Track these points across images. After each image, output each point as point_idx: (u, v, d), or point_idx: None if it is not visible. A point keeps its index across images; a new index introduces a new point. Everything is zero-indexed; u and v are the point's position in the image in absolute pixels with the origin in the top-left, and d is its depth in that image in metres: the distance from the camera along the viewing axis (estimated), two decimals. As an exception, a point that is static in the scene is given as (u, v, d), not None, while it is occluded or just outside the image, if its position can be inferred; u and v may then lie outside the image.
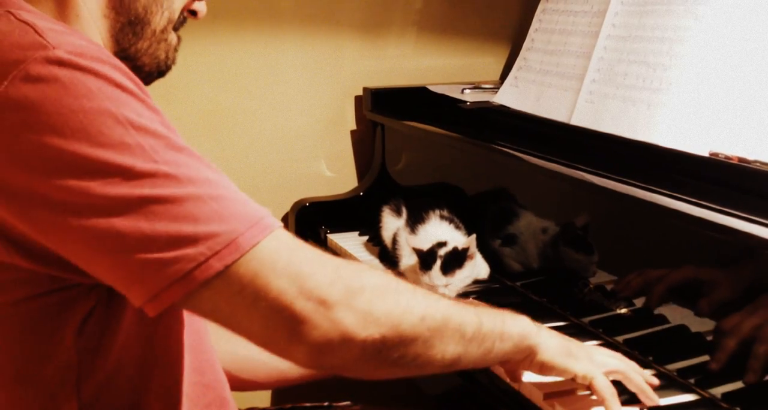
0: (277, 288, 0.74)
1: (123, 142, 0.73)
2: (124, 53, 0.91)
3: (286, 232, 0.78)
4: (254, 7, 1.78)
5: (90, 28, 0.89)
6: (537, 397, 1.01)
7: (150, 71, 0.95)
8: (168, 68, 0.97)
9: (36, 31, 0.76)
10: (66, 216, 0.73)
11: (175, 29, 0.97)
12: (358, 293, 0.77)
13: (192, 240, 0.73)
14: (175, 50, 0.97)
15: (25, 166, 0.73)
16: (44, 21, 0.79)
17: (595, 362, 0.93)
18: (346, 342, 0.76)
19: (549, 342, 0.90)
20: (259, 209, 0.78)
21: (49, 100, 0.72)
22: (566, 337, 0.96)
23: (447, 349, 0.81)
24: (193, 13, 0.98)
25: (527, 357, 0.90)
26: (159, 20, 0.92)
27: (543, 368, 0.91)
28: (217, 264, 0.73)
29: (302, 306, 0.74)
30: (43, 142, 0.72)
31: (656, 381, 0.98)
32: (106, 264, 0.75)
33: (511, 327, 0.88)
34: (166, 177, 0.74)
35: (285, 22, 1.83)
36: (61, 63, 0.73)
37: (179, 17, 0.96)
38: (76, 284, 0.81)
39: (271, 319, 0.75)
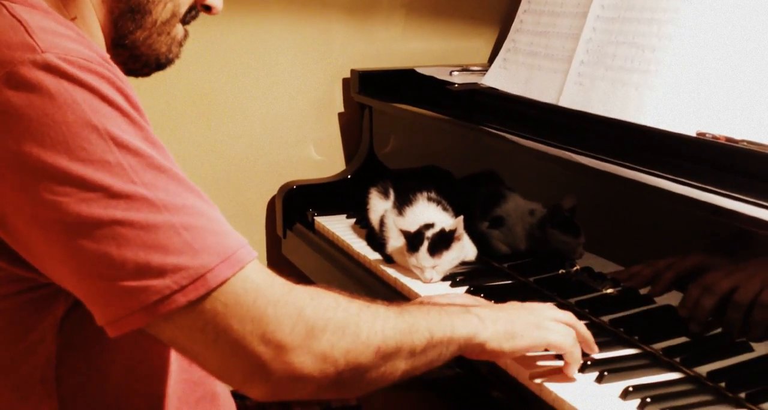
0: (238, 331, 0.74)
1: (103, 159, 0.71)
2: (120, 41, 0.89)
3: (257, 267, 0.77)
4: (242, -12, 1.76)
5: (88, 13, 0.86)
6: (523, 376, 1.01)
7: (147, 62, 0.93)
8: (169, 62, 0.94)
9: (27, 31, 0.73)
10: (35, 227, 0.72)
11: (186, 23, 0.94)
12: (319, 334, 0.77)
13: (159, 271, 0.71)
14: (180, 45, 0.94)
15: (1, 172, 0.71)
16: (39, 16, 0.77)
17: (542, 327, 0.96)
18: (301, 382, 0.77)
19: (494, 332, 0.92)
20: (234, 240, 0.76)
21: (32, 107, 0.71)
22: (512, 309, 0.97)
23: (398, 368, 0.83)
24: (207, 8, 0.95)
25: (475, 352, 0.92)
26: (161, 11, 0.89)
27: (493, 356, 0.93)
28: (181, 299, 0.72)
29: (260, 350, 0.74)
30: (21, 149, 0.70)
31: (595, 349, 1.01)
32: (72, 280, 0.75)
33: (459, 330, 0.89)
34: (143, 200, 0.72)
35: (273, 4, 1.82)
36: (48, 68, 0.71)
37: (191, 12, 0.93)
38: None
39: (228, 359, 0.75)
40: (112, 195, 0.71)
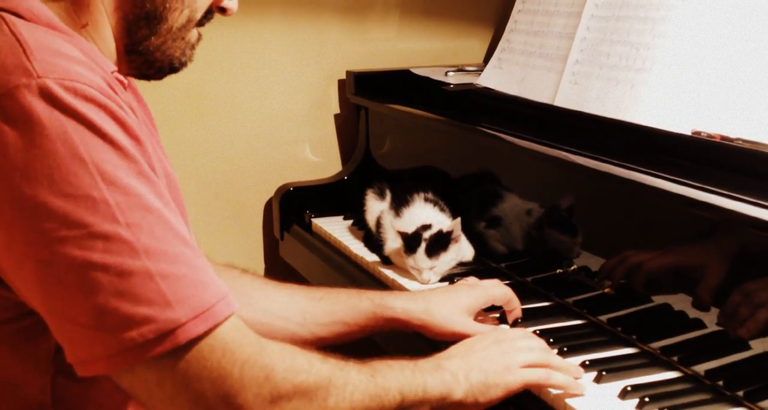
0: (198, 390, 0.72)
1: (88, 194, 0.68)
2: (134, 47, 0.87)
3: (231, 323, 0.75)
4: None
5: (101, 20, 0.84)
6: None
7: (161, 67, 0.90)
8: (182, 65, 0.92)
9: (24, 52, 0.70)
10: (11, 258, 0.71)
11: (201, 25, 0.92)
12: (284, 401, 0.75)
13: (127, 322, 0.69)
14: (193, 48, 0.92)
15: None
16: (40, 33, 0.74)
17: (514, 370, 0.94)
18: None
19: (468, 387, 0.90)
20: (212, 293, 0.73)
21: (21, 136, 0.68)
22: (483, 350, 0.95)
23: None
24: (223, 10, 0.93)
25: (451, 408, 0.90)
26: (177, 18, 0.86)
27: (467, 409, 0.91)
28: (145, 354, 0.70)
29: None
30: (3, 178, 0.68)
31: (579, 373, 0.99)
32: (44, 316, 0.73)
33: (432, 391, 0.87)
34: (123, 242, 0.69)
35: (268, 5, 1.81)
36: (42, 96, 0.68)
37: (207, 15, 0.91)
38: None
39: None
40: (91, 234, 0.68)
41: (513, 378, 0.93)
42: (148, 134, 0.82)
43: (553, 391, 0.96)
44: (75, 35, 0.80)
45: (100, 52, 0.84)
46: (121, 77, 0.82)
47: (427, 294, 1.11)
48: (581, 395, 0.95)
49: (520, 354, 0.96)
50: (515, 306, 1.16)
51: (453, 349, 0.98)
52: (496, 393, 0.92)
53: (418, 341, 1.12)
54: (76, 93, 0.70)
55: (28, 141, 0.68)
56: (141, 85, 1.00)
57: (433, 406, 0.88)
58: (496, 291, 1.14)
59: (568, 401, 0.94)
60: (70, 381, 0.82)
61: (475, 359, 0.94)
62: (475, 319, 1.12)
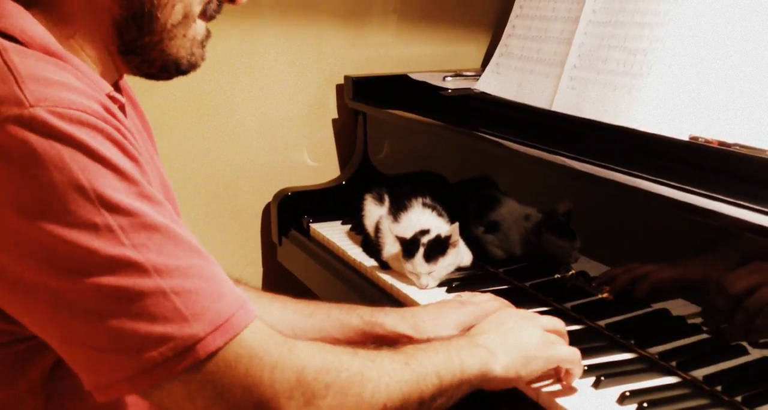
0: (229, 399, 0.71)
1: (90, 221, 0.67)
2: (127, 47, 0.84)
3: (255, 328, 0.74)
4: (234, -5, 1.76)
5: (87, 28, 0.81)
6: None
7: (164, 66, 0.86)
8: (192, 65, 0.88)
9: (16, 81, 0.69)
10: (19, 290, 0.70)
11: (210, 19, 0.88)
12: (320, 400, 0.75)
13: (144, 342, 0.68)
14: (202, 45, 0.88)
15: None
16: (32, 60, 0.72)
17: (550, 344, 0.96)
18: None
19: (509, 361, 0.91)
20: (230, 304, 0.72)
21: (16, 167, 0.67)
22: (515, 327, 0.96)
23: None
24: (232, 0, 0.89)
25: (490, 385, 0.91)
26: (171, 14, 0.83)
27: (510, 384, 0.93)
28: (166, 372, 0.69)
29: None
30: (4, 212, 0.67)
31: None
32: (55, 344, 0.73)
33: (470, 368, 0.87)
34: (131, 264, 0.68)
35: (266, 10, 1.82)
36: (35, 125, 0.67)
37: (213, 7, 0.87)
38: None
39: None
40: (97, 260, 0.68)
41: (551, 352, 0.94)
42: (145, 148, 0.81)
43: (552, 397, 0.96)
44: (69, 57, 0.77)
45: (93, 65, 0.83)
46: (118, 96, 0.80)
47: (418, 312, 1.11)
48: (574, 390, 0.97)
49: (544, 327, 0.97)
50: None
51: (484, 325, 0.98)
52: (537, 365, 0.93)
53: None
54: (71, 119, 0.68)
55: (22, 172, 0.67)
56: (138, 88, 1.00)
57: (473, 384, 0.88)
58: (488, 306, 1.13)
59: (567, 406, 0.94)
60: (66, 402, 0.81)
61: (510, 333, 0.94)
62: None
